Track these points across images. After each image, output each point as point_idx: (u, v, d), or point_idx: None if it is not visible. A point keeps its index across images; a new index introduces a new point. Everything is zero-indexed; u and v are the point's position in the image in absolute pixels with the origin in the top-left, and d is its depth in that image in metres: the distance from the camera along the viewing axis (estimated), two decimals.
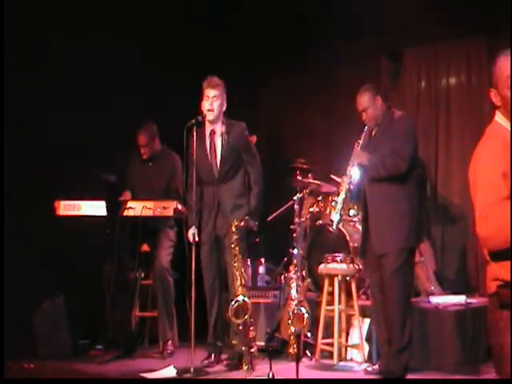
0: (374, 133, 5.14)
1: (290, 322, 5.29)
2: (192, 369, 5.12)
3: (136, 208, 5.82)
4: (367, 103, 5.06)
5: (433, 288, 6.05)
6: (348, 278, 5.66)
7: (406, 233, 4.89)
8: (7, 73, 5.84)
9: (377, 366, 5.21)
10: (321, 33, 7.28)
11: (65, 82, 6.25)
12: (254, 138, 6.32)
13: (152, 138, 6.24)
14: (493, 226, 2.71)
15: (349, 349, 5.71)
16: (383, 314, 4.98)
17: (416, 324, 5.10)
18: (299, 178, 6.64)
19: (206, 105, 5.52)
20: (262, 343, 5.74)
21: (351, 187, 5.10)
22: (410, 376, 4.92)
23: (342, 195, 5.10)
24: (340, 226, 6.15)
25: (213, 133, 5.61)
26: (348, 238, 6.12)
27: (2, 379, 4.94)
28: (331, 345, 5.59)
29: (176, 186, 6.12)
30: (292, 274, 5.63)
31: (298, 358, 4.76)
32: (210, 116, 5.52)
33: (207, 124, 5.61)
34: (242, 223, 5.31)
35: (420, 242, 5.25)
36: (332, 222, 5.19)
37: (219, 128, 5.60)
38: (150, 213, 5.80)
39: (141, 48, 6.79)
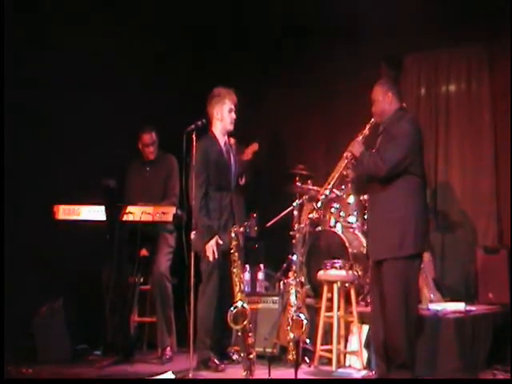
0: (380, 129, 5.13)
1: (288, 328, 5.27)
2: (190, 374, 5.11)
3: (135, 213, 5.81)
4: (377, 96, 5.07)
5: (432, 295, 6.04)
6: (347, 285, 5.65)
7: (401, 240, 4.77)
8: (7, 73, 5.84)
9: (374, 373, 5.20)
10: (321, 40, 7.29)
11: (65, 84, 6.27)
12: (255, 146, 6.30)
13: (157, 137, 6.33)
14: None
15: (348, 355, 5.69)
16: (382, 322, 4.94)
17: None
18: (299, 184, 6.64)
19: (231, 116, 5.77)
20: (261, 349, 5.73)
21: (345, 173, 5.09)
22: None
23: (336, 173, 5.06)
24: (340, 232, 6.20)
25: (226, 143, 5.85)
26: (347, 244, 6.11)
27: (2, 380, 4.93)
28: (330, 351, 5.57)
29: (172, 184, 6.16)
30: (291, 280, 5.62)
31: (296, 365, 4.75)
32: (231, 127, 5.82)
33: (219, 135, 5.78)
34: (242, 229, 5.33)
35: (422, 250, 5.02)
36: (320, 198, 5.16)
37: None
38: (149, 218, 5.78)
39: (140, 51, 6.81)
